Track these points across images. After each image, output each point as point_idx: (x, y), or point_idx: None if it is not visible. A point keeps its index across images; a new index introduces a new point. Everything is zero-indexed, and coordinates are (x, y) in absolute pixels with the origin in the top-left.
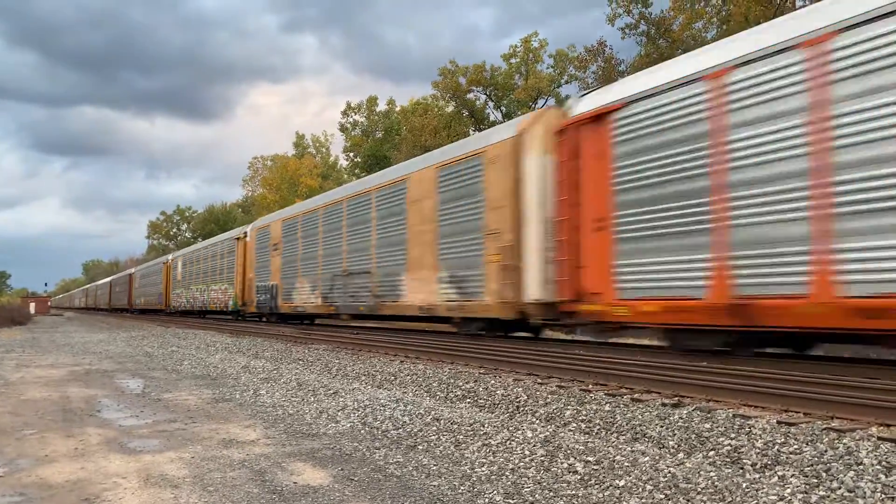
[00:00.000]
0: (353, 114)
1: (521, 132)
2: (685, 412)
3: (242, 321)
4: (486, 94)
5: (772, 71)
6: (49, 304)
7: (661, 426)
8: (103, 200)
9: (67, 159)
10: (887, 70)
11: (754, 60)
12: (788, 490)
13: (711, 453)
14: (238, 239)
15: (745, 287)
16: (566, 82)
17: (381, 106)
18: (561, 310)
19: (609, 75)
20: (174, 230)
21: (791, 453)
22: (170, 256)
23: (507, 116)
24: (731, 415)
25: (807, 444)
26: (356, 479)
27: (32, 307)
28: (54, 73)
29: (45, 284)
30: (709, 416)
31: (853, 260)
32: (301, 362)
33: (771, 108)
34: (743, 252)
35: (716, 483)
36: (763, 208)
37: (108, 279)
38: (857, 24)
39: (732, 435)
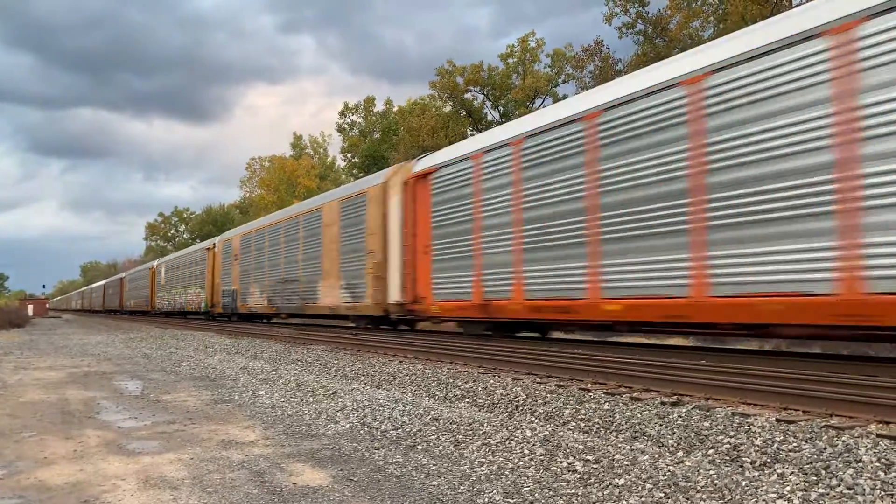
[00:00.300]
0: (350, 114)
1: (387, 180)
2: (684, 410)
3: (238, 322)
4: (483, 93)
5: (494, 159)
6: (47, 305)
7: (661, 425)
8: (101, 202)
9: (65, 161)
10: (543, 164)
11: (493, 149)
12: (788, 488)
13: (711, 451)
14: (209, 249)
15: (488, 293)
16: (563, 81)
17: (379, 106)
18: (406, 308)
19: (606, 75)
20: (172, 231)
21: (790, 451)
22: (154, 262)
23: (505, 116)
24: (730, 413)
25: (806, 441)
26: (356, 479)
27: (31, 309)
28: (51, 74)
29: (44, 286)
30: (708, 414)
31: (529, 279)
32: (300, 363)
33: (494, 181)
34: (486, 271)
35: (715, 481)
36: (494, 244)
37: (102, 282)
38: (531, 134)
39: (732, 433)
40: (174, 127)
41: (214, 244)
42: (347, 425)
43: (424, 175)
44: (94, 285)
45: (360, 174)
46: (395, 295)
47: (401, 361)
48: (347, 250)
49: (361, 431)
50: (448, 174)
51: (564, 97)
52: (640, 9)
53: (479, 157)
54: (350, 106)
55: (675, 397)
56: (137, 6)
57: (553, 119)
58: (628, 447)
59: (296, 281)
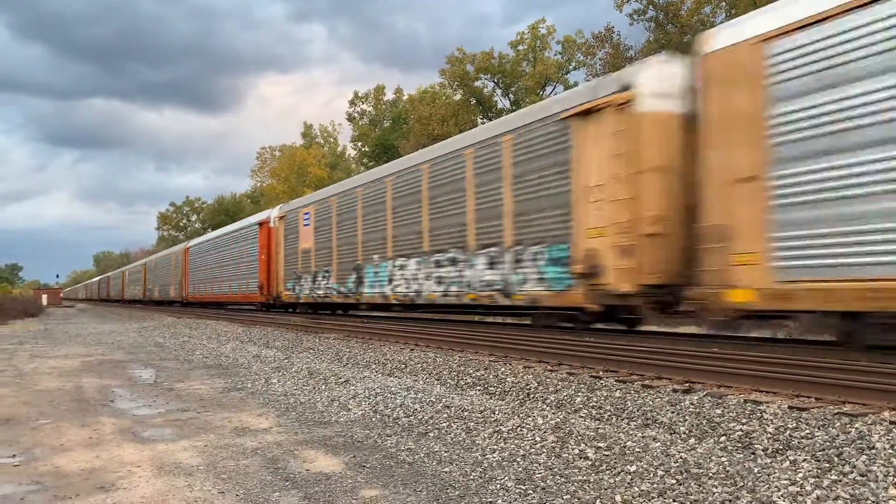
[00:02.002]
0: (360, 103)
1: (183, 248)
2: (696, 398)
3: (248, 313)
4: (493, 81)
5: (203, 245)
6: (61, 295)
7: (672, 412)
8: (114, 192)
9: (77, 152)
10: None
11: (208, 241)
12: (800, 475)
13: (723, 438)
14: (143, 265)
15: (199, 293)
16: (574, 69)
17: (389, 95)
18: (186, 297)
19: (616, 62)
20: (184, 221)
21: (803, 438)
22: (124, 268)
23: (516, 104)
24: (742, 400)
25: (819, 428)
26: (368, 465)
27: (45, 299)
28: (63, 65)
29: (57, 276)
30: (720, 401)
31: (197, 286)
32: (312, 351)
33: (213, 252)
34: (199, 286)
35: (727, 468)
36: (200, 275)
37: (97, 279)
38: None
39: (744, 420)
40: (185, 117)
41: (145, 263)
42: (360, 413)
43: (186, 250)
44: (93, 280)
45: (371, 163)
46: (185, 293)
47: (412, 350)
48: (176, 272)
49: (374, 419)
50: (194, 251)
51: (575, 84)
52: None
53: (207, 242)
54: (360, 95)
55: (687, 385)
56: None
57: (211, 237)
58: (640, 434)
59: (167, 285)
